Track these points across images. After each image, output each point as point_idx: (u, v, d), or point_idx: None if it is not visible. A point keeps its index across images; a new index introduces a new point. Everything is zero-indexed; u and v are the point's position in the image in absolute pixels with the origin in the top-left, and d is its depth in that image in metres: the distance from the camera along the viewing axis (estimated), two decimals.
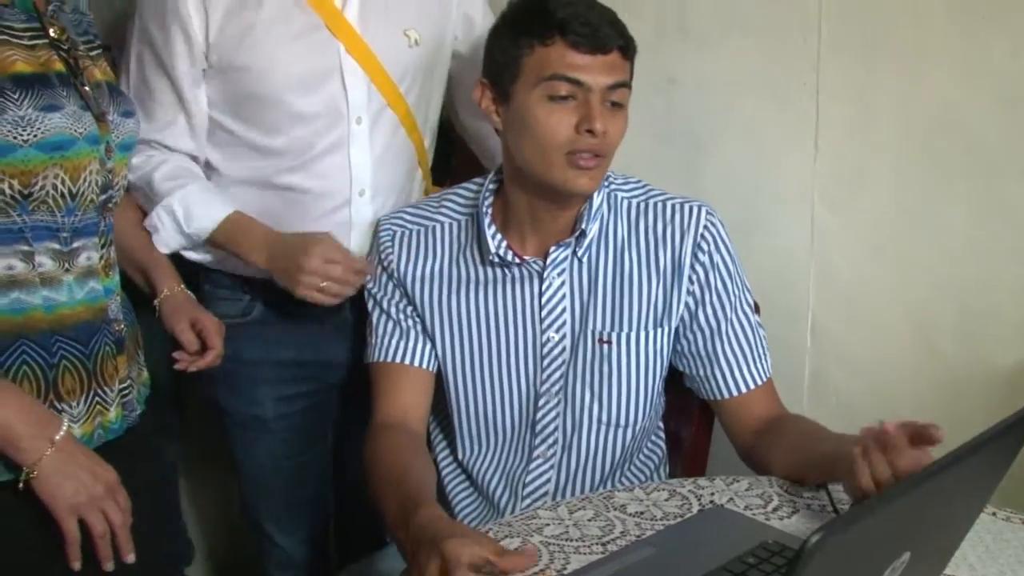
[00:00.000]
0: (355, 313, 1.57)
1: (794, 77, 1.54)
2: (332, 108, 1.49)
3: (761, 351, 1.41)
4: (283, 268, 1.45)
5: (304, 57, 1.46)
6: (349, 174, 1.51)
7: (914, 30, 1.45)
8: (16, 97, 1.12)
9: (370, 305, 1.46)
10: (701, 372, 1.41)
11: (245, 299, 1.59)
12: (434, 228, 1.44)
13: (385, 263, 1.44)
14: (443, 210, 1.45)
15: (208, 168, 1.55)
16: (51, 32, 1.21)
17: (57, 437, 1.13)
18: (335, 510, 1.88)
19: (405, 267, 1.42)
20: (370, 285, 1.46)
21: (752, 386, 1.39)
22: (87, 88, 1.23)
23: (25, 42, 1.17)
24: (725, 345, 1.39)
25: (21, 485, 1.12)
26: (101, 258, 1.27)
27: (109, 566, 1.16)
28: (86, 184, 1.21)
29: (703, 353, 1.40)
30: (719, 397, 1.41)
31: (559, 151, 1.28)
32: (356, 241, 1.54)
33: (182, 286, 1.50)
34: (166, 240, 1.50)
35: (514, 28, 1.31)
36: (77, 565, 1.14)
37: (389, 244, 1.44)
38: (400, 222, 1.45)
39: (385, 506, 1.20)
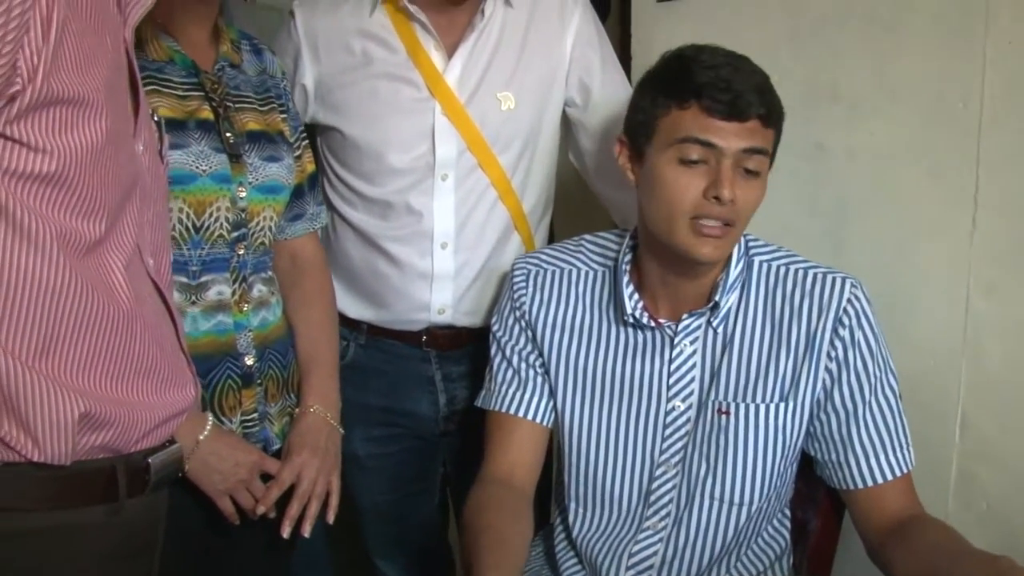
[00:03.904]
0: (439, 369, 1.64)
1: (952, 146, 1.45)
2: (421, 163, 1.55)
3: (902, 439, 1.31)
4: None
5: (403, 116, 1.55)
6: (432, 226, 1.56)
7: None
8: None
9: (493, 349, 1.45)
10: (833, 458, 1.32)
11: (342, 344, 1.63)
12: (571, 272, 1.42)
13: (517, 304, 1.42)
14: (581, 256, 1.43)
15: (333, 211, 1.64)
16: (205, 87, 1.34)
17: (201, 437, 1.27)
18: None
19: (538, 311, 1.41)
20: (495, 328, 1.45)
21: (889, 478, 1.29)
22: (228, 134, 1.34)
23: (179, 92, 1.31)
24: (862, 430, 1.30)
25: (180, 475, 1.24)
26: (234, 293, 1.34)
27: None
28: (212, 219, 1.31)
29: (836, 437, 1.31)
30: (850, 487, 1.32)
31: (684, 216, 1.25)
32: (437, 291, 1.59)
33: (328, 415, 1.45)
34: None
35: (654, 87, 1.29)
36: (236, 521, 1.34)
37: (524, 284, 1.43)
38: (536, 262, 1.44)
39: (471, 561, 1.20)
